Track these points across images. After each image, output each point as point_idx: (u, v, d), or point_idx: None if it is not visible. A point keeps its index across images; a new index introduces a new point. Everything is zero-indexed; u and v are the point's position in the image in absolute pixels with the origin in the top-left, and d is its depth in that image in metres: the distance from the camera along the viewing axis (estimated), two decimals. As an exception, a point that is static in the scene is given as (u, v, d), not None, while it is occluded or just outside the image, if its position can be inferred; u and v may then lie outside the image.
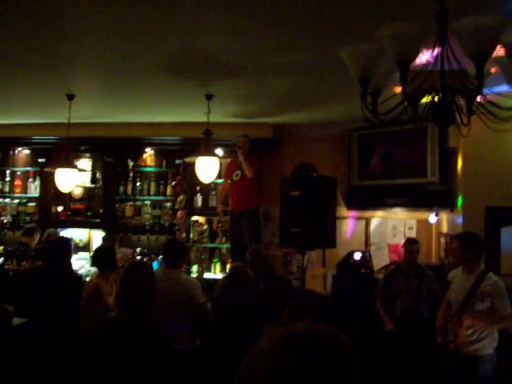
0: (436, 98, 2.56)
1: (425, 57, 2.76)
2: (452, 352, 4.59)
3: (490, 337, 4.48)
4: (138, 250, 7.71)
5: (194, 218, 7.72)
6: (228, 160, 7.14)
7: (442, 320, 4.84)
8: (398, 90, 2.72)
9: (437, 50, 2.53)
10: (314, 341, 1.18)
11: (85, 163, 7.90)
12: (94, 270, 6.01)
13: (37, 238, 6.89)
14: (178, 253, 4.78)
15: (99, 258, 5.19)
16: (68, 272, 5.28)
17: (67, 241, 5.53)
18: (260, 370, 1.13)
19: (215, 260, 7.61)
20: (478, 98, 2.60)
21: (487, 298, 4.41)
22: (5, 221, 7.98)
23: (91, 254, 7.26)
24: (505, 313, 4.40)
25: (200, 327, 4.50)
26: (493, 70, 2.94)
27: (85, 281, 6.51)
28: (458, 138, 6.34)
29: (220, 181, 7.44)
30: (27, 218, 7.91)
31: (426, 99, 2.64)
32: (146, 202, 7.87)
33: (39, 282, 4.96)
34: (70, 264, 5.72)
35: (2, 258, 7.54)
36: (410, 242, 5.72)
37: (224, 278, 4.83)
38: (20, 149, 8.15)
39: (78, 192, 7.85)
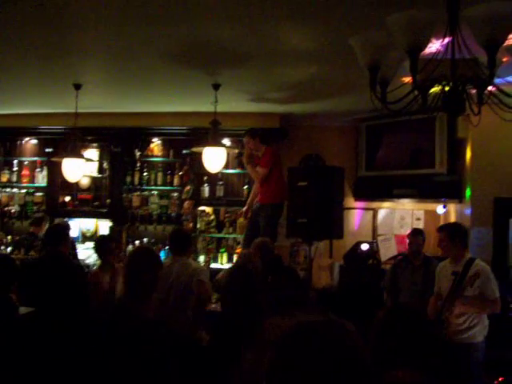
0: (446, 88, 2.53)
1: (435, 46, 2.73)
2: (445, 340, 4.61)
3: (481, 324, 4.54)
4: (145, 240, 7.74)
5: (201, 208, 7.71)
6: (235, 151, 7.06)
7: (434, 311, 4.83)
8: (408, 79, 2.69)
9: (447, 39, 2.49)
10: (323, 332, 1.19)
11: (92, 153, 7.90)
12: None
13: (45, 227, 6.88)
14: (184, 242, 4.81)
15: (99, 247, 5.19)
16: (63, 259, 5.03)
17: (62, 227, 5.40)
18: (273, 360, 1.16)
19: (222, 250, 7.62)
20: (490, 88, 2.56)
21: (476, 283, 4.46)
22: (12, 210, 8.00)
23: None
24: (493, 296, 4.45)
25: (200, 304, 4.55)
26: (505, 59, 2.90)
27: (88, 269, 6.53)
28: (467, 128, 6.29)
29: (227, 171, 7.42)
30: (34, 208, 7.93)
31: (436, 88, 2.61)
32: (153, 192, 7.86)
33: (35, 272, 4.93)
34: (71, 251, 5.64)
35: (10, 248, 7.58)
36: (414, 233, 5.69)
37: (229, 268, 4.83)
38: (27, 139, 8.16)
39: (85, 182, 7.87)
